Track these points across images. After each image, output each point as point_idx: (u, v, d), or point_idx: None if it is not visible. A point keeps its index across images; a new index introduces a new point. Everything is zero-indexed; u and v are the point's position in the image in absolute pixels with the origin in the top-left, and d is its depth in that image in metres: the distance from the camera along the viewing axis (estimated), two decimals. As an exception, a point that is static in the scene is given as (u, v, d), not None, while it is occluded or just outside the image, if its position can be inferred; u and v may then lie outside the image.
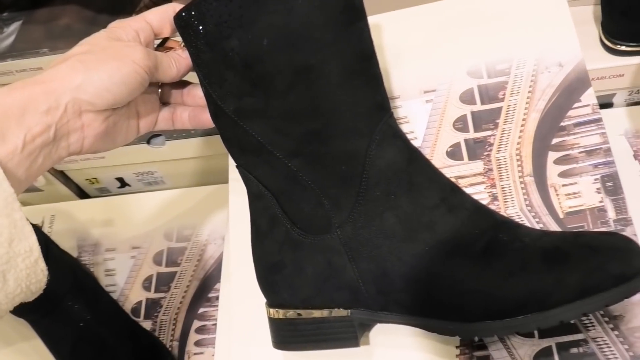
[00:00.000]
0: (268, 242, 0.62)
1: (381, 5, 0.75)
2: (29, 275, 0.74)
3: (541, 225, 0.64)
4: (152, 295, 0.93)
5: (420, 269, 0.57)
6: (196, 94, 0.64)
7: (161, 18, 0.61)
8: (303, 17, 0.54)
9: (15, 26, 0.99)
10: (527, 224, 0.64)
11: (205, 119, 0.64)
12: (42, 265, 0.76)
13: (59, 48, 0.93)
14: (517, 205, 0.65)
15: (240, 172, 0.62)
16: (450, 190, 0.59)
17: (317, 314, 0.61)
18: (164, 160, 1.01)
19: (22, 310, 0.80)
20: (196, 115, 0.65)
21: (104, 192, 1.10)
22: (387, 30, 0.76)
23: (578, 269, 0.53)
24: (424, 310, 0.57)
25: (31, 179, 0.53)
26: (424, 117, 0.72)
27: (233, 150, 0.62)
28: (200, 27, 0.56)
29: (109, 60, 0.55)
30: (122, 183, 1.08)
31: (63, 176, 1.07)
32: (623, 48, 0.86)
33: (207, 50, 0.57)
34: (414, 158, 0.59)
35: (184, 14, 0.57)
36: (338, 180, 0.58)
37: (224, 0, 0.54)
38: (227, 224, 0.75)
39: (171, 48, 0.63)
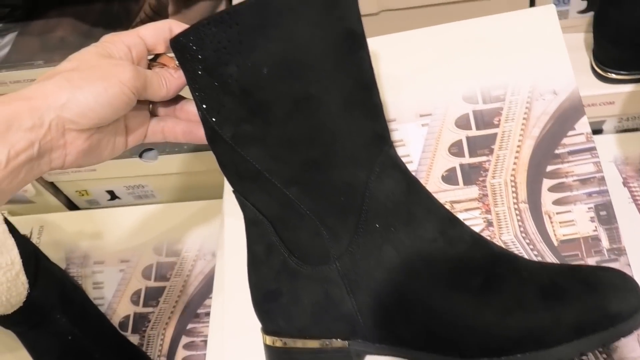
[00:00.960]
0: (264, 269, 0.61)
1: (378, 28, 0.75)
2: (10, 288, 0.74)
3: (535, 253, 0.64)
4: (140, 309, 0.93)
5: (419, 304, 0.56)
6: (189, 110, 0.63)
7: (155, 34, 0.60)
8: (303, 46, 0.53)
9: (10, 37, 0.99)
10: (522, 251, 0.64)
11: (200, 135, 0.62)
12: (23, 278, 0.76)
13: (53, 60, 0.93)
14: (512, 231, 0.66)
15: (237, 198, 0.61)
16: (449, 222, 0.59)
17: (314, 344, 0.60)
18: (156, 175, 1.01)
19: (9, 322, 0.80)
20: (191, 131, 0.63)
21: (93, 205, 1.10)
22: (383, 54, 0.76)
23: (575, 307, 0.53)
24: (422, 344, 0.57)
25: (12, 192, 0.53)
26: (420, 141, 0.72)
27: (230, 175, 0.61)
28: (199, 52, 0.55)
29: (96, 80, 0.54)
30: (113, 196, 1.07)
31: (53, 187, 1.06)
32: (613, 76, 0.86)
33: (205, 76, 0.55)
34: (413, 189, 0.59)
35: (181, 38, 0.55)
36: (337, 210, 0.58)
37: (223, 26, 0.53)
38: (219, 240, 0.75)
39: (164, 65, 0.62)
